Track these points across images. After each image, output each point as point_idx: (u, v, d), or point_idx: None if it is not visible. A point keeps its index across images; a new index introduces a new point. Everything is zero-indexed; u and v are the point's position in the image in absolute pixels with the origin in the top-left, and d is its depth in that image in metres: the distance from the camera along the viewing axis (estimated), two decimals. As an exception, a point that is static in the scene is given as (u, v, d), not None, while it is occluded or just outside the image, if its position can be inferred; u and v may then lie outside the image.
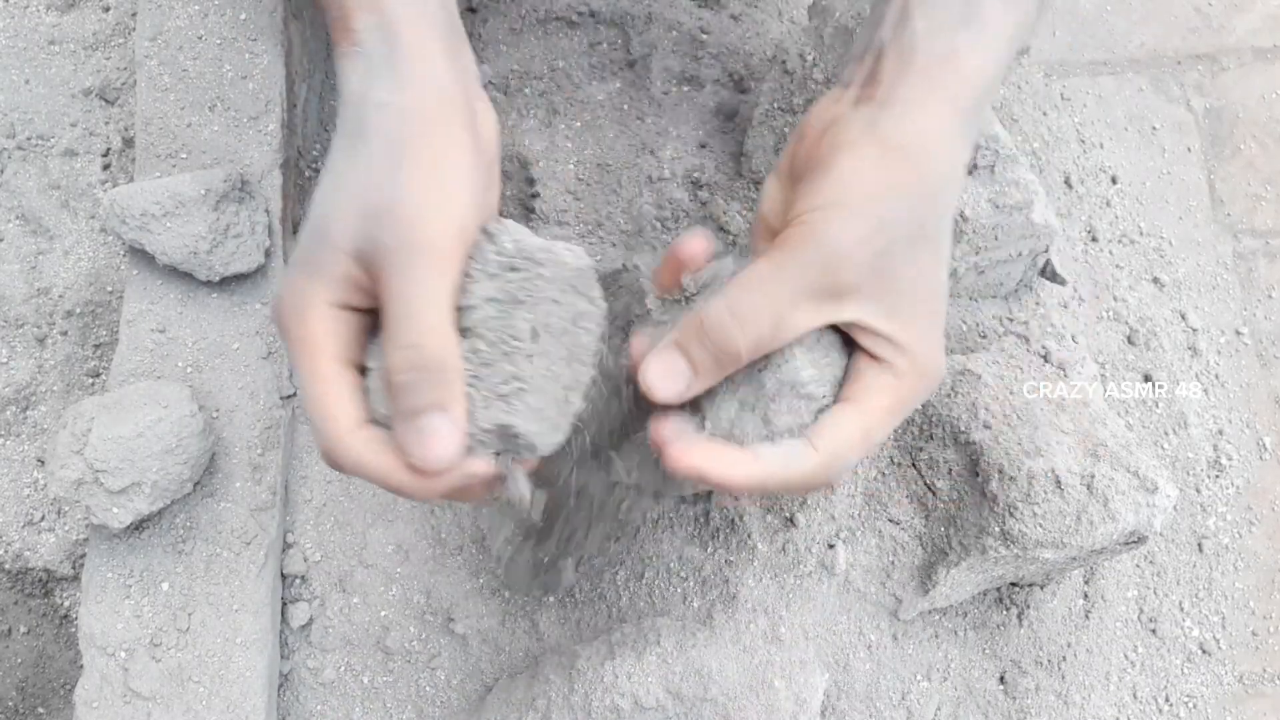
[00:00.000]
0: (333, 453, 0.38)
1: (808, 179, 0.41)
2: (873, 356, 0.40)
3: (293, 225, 0.63)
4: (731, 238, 0.64)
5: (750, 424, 0.40)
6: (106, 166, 0.68)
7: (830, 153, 0.40)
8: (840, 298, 0.39)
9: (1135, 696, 0.62)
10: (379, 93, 0.39)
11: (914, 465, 0.57)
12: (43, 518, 0.61)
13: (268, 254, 0.58)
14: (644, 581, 0.56)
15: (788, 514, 0.57)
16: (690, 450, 0.39)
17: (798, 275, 0.38)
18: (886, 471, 0.58)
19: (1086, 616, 0.62)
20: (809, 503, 0.57)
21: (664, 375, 0.39)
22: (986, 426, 0.54)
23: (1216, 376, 0.71)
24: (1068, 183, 0.73)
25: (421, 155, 0.38)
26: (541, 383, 0.38)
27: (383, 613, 0.57)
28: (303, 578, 0.57)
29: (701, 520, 0.57)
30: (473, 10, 0.69)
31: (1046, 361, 0.57)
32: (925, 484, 0.56)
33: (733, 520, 0.57)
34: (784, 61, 0.63)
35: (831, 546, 0.57)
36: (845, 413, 0.40)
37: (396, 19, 0.40)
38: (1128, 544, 0.53)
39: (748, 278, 0.39)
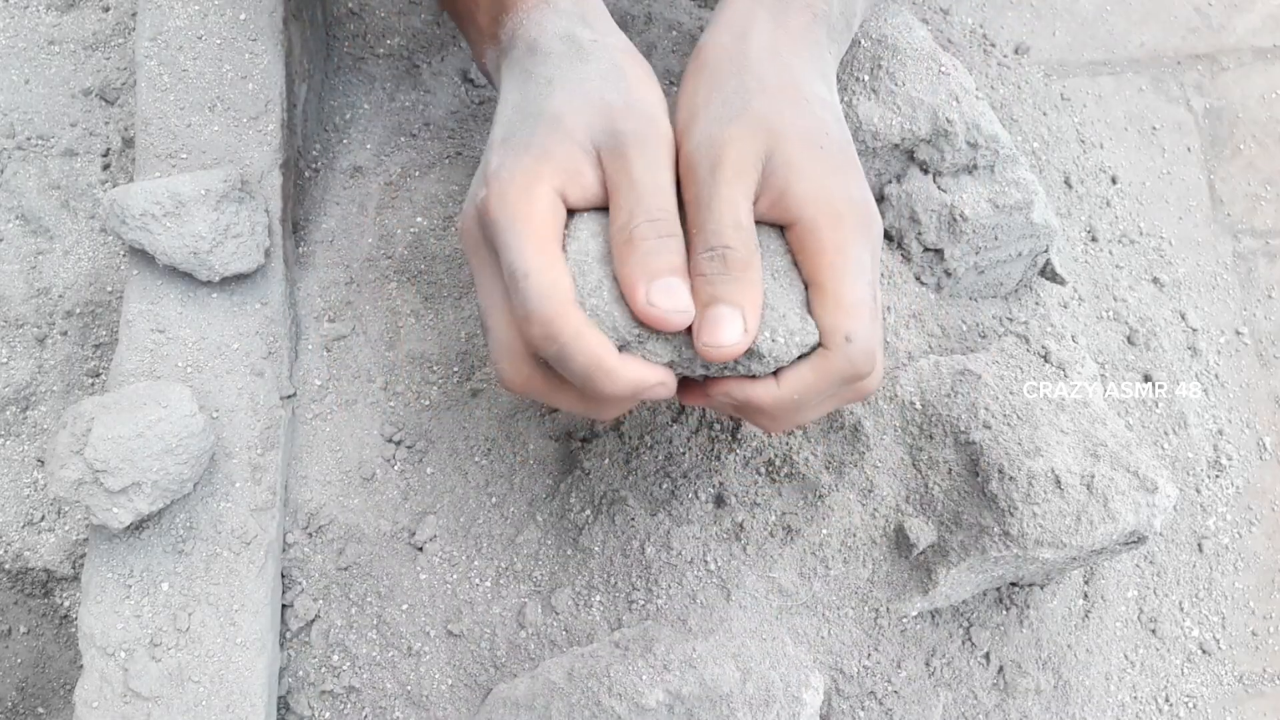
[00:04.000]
0: (553, 324, 0.39)
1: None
2: (779, 222, 0.43)
3: (293, 225, 0.63)
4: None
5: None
6: (106, 166, 0.68)
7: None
8: (744, 172, 0.42)
9: (1135, 696, 0.62)
10: (586, 34, 0.46)
11: (914, 465, 0.57)
12: (43, 518, 0.61)
13: (268, 254, 0.58)
14: (645, 584, 0.56)
15: (788, 524, 0.57)
16: (716, 383, 0.43)
17: (720, 176, 0.42)
18: (886, 472, 0.58)
19: (1086, 616, 0.62)
20: (808, 508, 0.57)
21: (725, 329, 0.41)
22: (986, 426, 0.54)
23: (1216, 376, 0.71)
24: (1068, 183, 0.73)
25: (642, 74, 0.45)
26: None
27: (382, 612, 0.57)
28: (303, 578, 0.57)
29: (706, 523, 0.57)
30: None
31: (1046, 361, 0.57)
32: (925, 484, 0.56)
33: (736, 527, 0.57)
34: (784, 61, 0.63)
35: (831, 551, 0.57)
36: (816, 301, 0.42)
37: None
38: (1128, 544, 0.53)
39: (701, 208, 0.42)
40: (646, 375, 0.41)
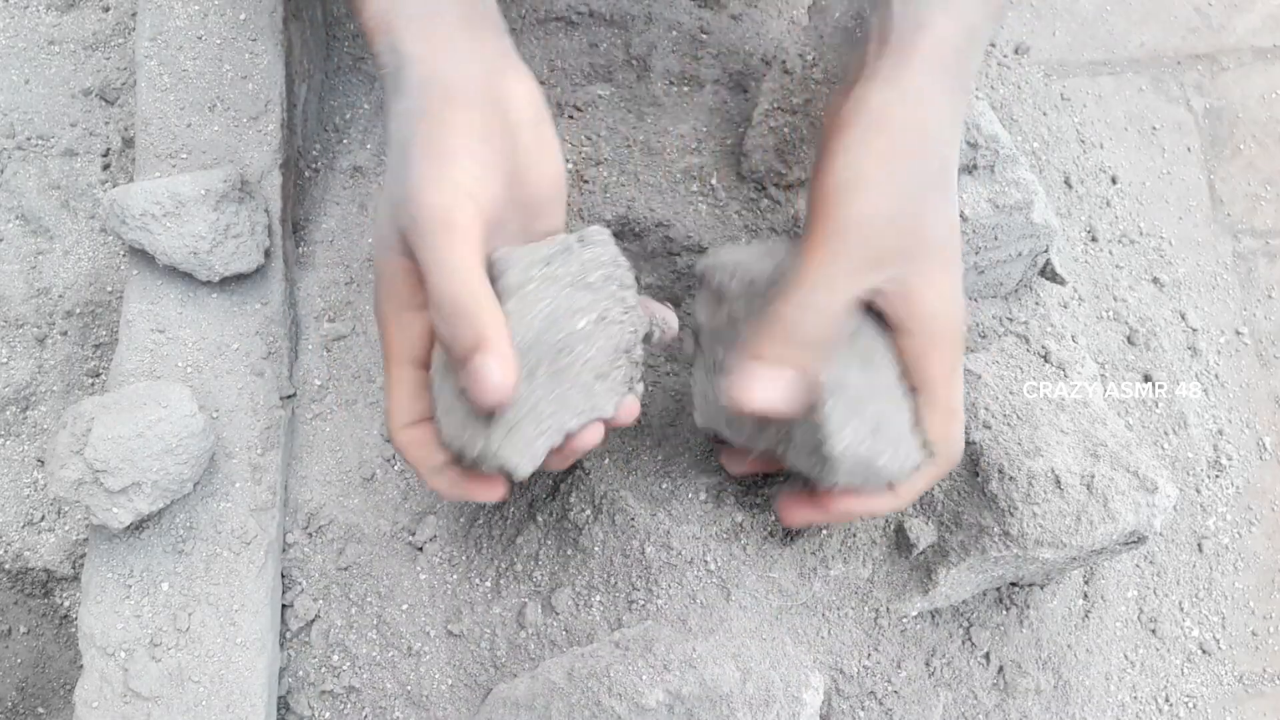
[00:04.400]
0: (393, 443, 0.45)
1: (817, 171, 0.44)
2: (895, 327, 0.44)
3: (292, 225, 0.63)
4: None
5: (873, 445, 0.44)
6: (106, 166, 0.68)
7: (829, 140, 0.44)
8: (879, 265, 0.43)
9: (1135, 697, 0.62)
10: (394, 104, 0.44)
11: (914, 465, 0.57)
12: (43, 518, 0.61)
13: (268, 254, 0.58)
14: (645, 584, 0.56)
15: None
16: (839, 498, 0.46)
17: (844, 256, 0.42)
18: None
19: (1086, 616, 0.62)
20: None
21: (768, 386, 0.42)
22: (986, 426, 0.54)
23: (1216, 376, 0.71)
24: (1068, 183, 0.73)
25: (421, 149, 0.42)
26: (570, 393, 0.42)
27: (382, 612, 0.57)
28: (303, 578, 0.57)
29: (706, 523, 0.57)
30: (473, 10, 0.69)
31: (1046, 361, 0.57)
32: (925, 484, 0.56)
33: (736, 527, 0.57)
34: (784, 61, 0.63)
35: (831, 551, 0.57)
36: (924, 409, 0.44)
37: (400, 34, 0.44)
38: (1128, 544, 0.53)
39: (805, 272, 0.42)
40: (469, 493, 0.44)
